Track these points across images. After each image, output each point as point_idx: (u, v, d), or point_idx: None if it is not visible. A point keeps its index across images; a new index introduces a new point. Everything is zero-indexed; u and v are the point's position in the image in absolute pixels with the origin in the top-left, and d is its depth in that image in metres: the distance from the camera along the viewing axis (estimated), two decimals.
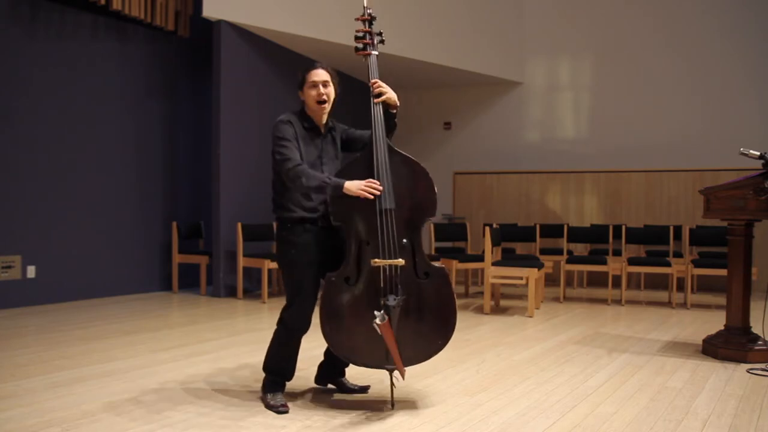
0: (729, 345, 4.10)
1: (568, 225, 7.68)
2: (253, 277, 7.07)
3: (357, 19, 3.18)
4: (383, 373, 3.19)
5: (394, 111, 3.05)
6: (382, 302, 2.84)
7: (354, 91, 9.12)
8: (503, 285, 7.08)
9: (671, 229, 7.02)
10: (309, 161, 2.98)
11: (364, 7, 3.17)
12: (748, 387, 3.48)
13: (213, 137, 6.78)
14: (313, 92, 2.98)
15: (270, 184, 3.08)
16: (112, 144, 6.75)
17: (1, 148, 5.84)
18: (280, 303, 3.17)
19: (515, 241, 7.92)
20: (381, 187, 2.85)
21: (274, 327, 3.07)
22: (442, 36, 8.09)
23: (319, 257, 2.99)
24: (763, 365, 3.88)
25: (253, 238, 6.70)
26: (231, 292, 6.78)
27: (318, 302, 3.00)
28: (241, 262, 6.55)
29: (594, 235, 7.47)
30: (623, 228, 7.13)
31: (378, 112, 3.00)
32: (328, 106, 3.03)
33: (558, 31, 8.88)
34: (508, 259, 6.74)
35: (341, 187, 2.84)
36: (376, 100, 3.01)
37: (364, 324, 2.85)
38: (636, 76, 8.45)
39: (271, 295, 6.81)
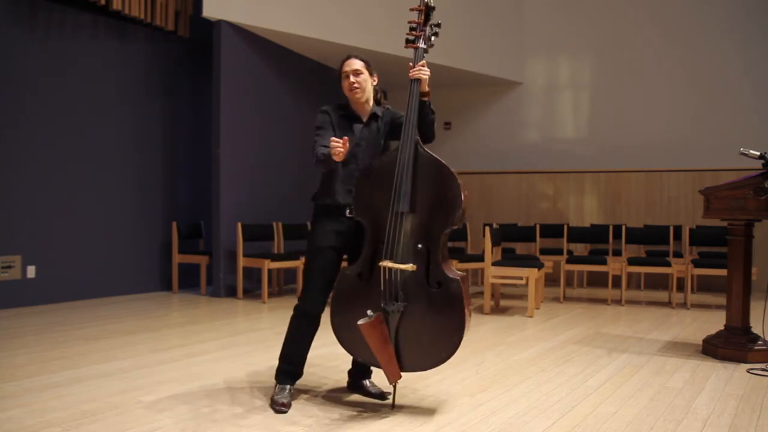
0: (729, 345, 4.11)
1: (568, 225, 7.68)
2: (253, 277, 7.07)
3: (412, 9, 3.06)
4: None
5: (426, 99, 2.94)
6: (381, 305, 2.86)
7: None
8: (503, 285, 7.08)
9: (671, 229, 7.03)
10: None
11: None
12: (748, 387, 3.48)
13: (213, 137, 6.78)
14: (345, 82, 3.04)
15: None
16: (112, 144, 6.75)
17: (0, 147, 5.85)
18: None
19: (515, 241, 7.93)
20: (342, 147, 2.72)
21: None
22: (441, 36, 8.02)
23: (342, 246, 3.03)
24: (763, 365, 3.88)
25: (253, 238, 6.71)
26: (231, 292, 6.78)
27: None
28: (241, 262, 6.55)
29: (594, 235, 7.47)
30: (623, 228, 7.13)
31: (411, 108, 2.89)
32: (361, 94, 3.02)
33: (557, 31, 8.88)
34: (508, 259, 6.74)
35: (329, 153, 2.79)
36: (412, 74, 2.93)
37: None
38: (636, 76, 8.45)
39: (271, 295, 6.79)
